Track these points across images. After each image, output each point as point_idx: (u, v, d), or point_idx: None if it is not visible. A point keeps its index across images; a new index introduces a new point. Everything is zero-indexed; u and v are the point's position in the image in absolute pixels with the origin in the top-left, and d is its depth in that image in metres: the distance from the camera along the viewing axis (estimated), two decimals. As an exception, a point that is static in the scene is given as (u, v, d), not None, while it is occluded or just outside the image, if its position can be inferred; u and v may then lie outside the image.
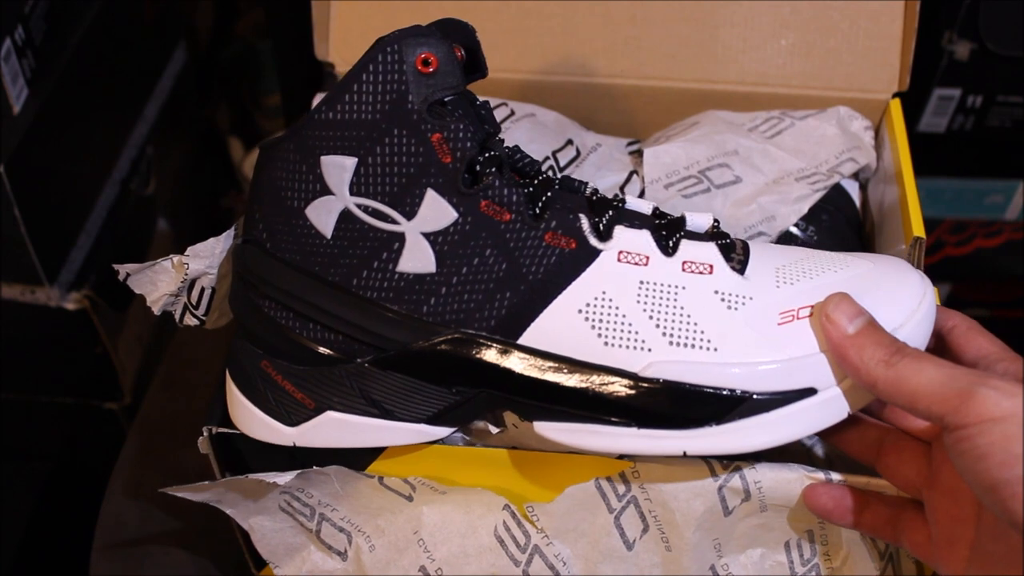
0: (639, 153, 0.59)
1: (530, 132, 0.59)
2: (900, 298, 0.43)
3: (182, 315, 0.50)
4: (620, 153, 0.60)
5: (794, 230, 0.56)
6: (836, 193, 0.58)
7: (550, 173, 0.46)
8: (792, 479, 0.45)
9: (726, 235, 0.46)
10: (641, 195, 0.57)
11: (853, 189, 0.59)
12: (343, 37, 0.64)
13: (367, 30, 0.64)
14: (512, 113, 0.60)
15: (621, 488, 0.47)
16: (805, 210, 0.56)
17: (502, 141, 0.46)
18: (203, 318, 0.51)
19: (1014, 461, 0.36)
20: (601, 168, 0.58)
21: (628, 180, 0.58)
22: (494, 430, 0.49)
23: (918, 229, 0.51)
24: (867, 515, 0.45)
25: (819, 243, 0.56)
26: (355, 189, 0.44)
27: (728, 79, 0.63)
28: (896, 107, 0.61)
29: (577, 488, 0.47)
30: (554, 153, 0.58)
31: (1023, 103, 0.83)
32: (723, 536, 0.48)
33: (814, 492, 0.45)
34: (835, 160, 0.58)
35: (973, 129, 0.85)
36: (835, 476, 0.45)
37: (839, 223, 0.58)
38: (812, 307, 0.43)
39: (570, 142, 0.59)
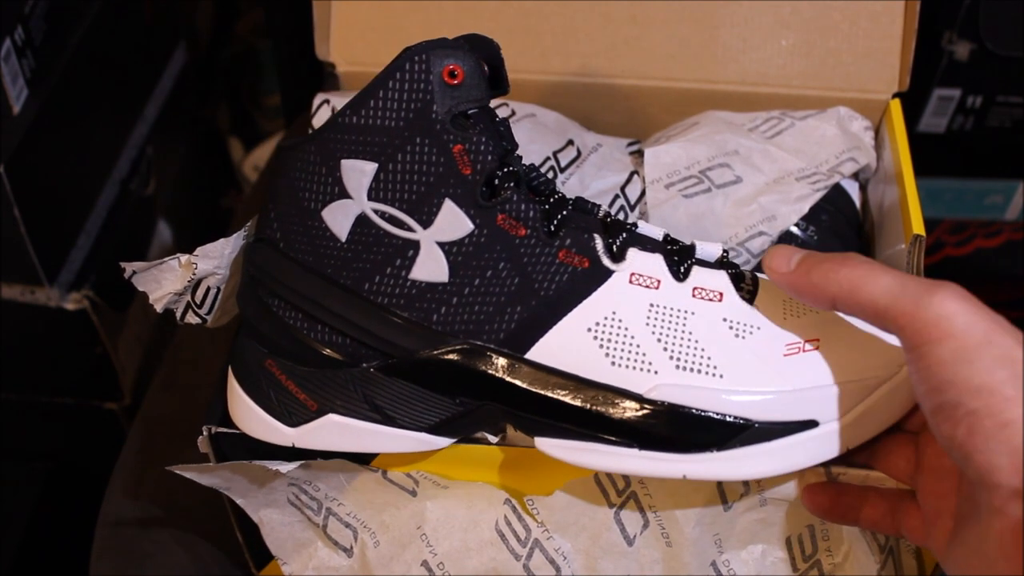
0: (639, 153, 0.59)
1: (531, 132, 0.59)
2: None
3: (184, 313, 0.50)
4: (621, 153, 0.60)
5: (794, 230, 0.56)
6: (836, 193, 0.58)
7: (563, 194, 0.46)
8: (792, 473, 0.45)
9: (735, 265, 0.46)
10: (642, 195, 0.57)
11: (853, 189, 0.59)
12: (343, 37, 0.64)
13: (368, 30, 0.64)
14: (513, 113, 0.60)
15: (621, 483, 0.47)
16: (806, 210, 0.56)
17: (520, 158, 0.46)
18: (206, 317, 0.51)
19: (946, 387, 0.36)
20: (602, 168, 0.58)
21: (629, 180, 0.58)
22: (492, 439, 0.49)
23: (918, 229, 0.51)
24: (866, 510, 0.45)
25: (819, 243, 0.56)
26: (373, 194, 0.44)
27: (728, 79, 0.63)
28: (896, 107, 0.61)
29: (577, 483, 0.47)
30: (555, 153, 0.58)
31: (1023, 103, 0.83)
32: (724, 531, 0.48)
33: (812, 492, 0.45)
34: (835, 160, 0.58)
35: (973, 129, 0.85)
36: (834, 470, 0.45)
37: (839, 223, 0.58)
38: (818, 340, 0.43)
39: (571, 142, 0.59)
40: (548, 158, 0.58)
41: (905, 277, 0.39)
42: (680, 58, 0.63)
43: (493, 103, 0.59)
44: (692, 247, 0.46)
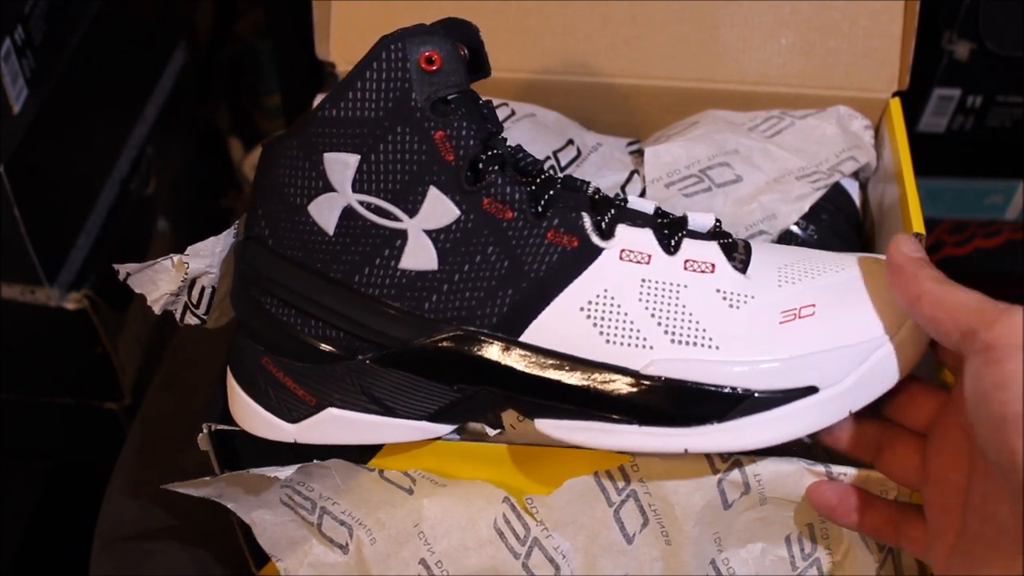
0: (640, 153, 0.59)
1: (531, 132, 0.59)
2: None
3: (183, 314, 0.50)
4: (621, 153, 0.60)
5: (795, 229, 0.56)
6: (836, 192, 0.58)
7: (551, 173, 0.46)
8: (792, 472, 0.45)
9: (728, 235, 0.46)
10: (642, 195, 0.57)
11: (853, 188, 0.59)
12: (343, 37, 0.64)
13: (367, 30, 0.64)
14: (513, 113, 0.60)
15: (620, 482, 0.47)
16: (806, 209, 0.56)
17: (504, 140, 0.46)
18: (204, 317, 0.51)
19: None
20: (602, 168, 0.58)
21: (629, 179, 0.58)
22: (491, 432, 0.49)
23: (918, 228, 0.51)
24: (870, 514, 0.45)
25: (819, 242, 0.56)
26: (358, 186, 0.44)
27: (728, 79, 0.63)
28: (896, 106, 0.61)
29: (576, 481, 0.47)
30: (555, 153, 0.58)
31: (1023, 103, 0.83)
32: (723, 530, 0.48)
33: (818, 489, 0.45)
34: (835, 159, 0.58)
35: (973, 129, 0.85)
36: (835, 469, 0.45)
37: (839, 222, 0.58)
38: (814, 305, 0.43)
39: (571, 142, 0.59)
40: (548, 158, 0.58)
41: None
42: (680, 58, 0.63)
43: (494, 103, 0.60)
44: (684, 219, 0.46)
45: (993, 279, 0.95)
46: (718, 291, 0.44)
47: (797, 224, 0.56)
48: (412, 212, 0.44)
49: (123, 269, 0.48)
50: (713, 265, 0.44)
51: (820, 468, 0.45)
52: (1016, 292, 0.93)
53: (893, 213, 0.55)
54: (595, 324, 0.44)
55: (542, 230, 0.44)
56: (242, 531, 0.54)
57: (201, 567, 0.59)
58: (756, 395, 0.42)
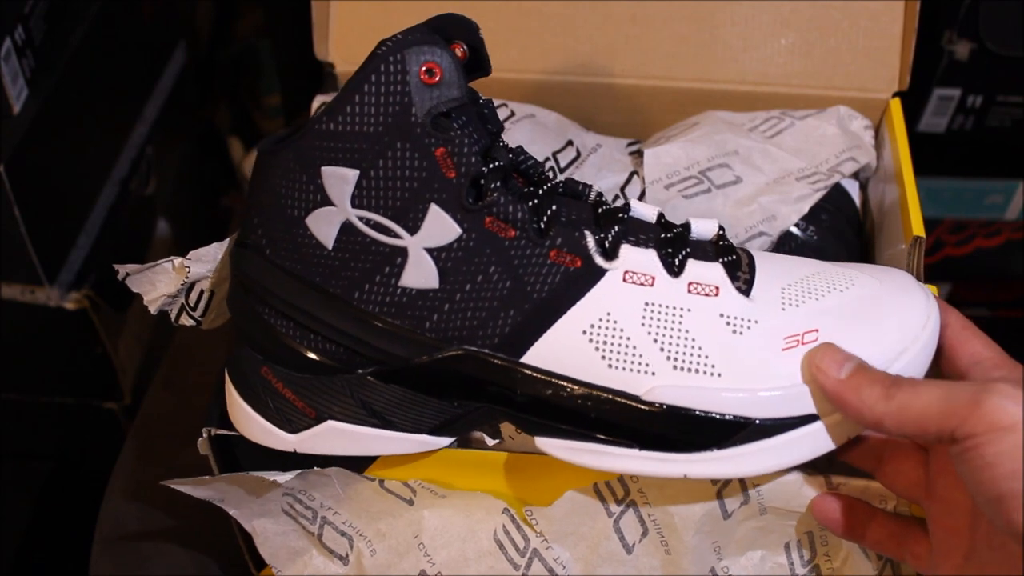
0: (639, 153, 0.59)
1: (530, 133, 0.59)
2: (905, 321, 0.43)
3: (178, 315, 0.50)
4: (620, 154, 0.60)
5: (794, 230, 0.56)
6: (836, 193, 0.58)
7: (551, 175, 0.45)
8: (791, 482, 0.45)
9: (731, 249, 0.45)
10: (641, 196, 0.57)
11: (853, 189, 0.59)
12: (343, 37, 0.64)
13: (367, 30, 0.64)
14: (512, 114, 0.60)
15: (620, 492, 0.47)
16: (806, 210, 0.56)
17: (505, 145, 0.45)
18: (199, 319, 0.50)
19: (1021, 473, 0.36)
20: (602, 169, 0.58)
21: (629, 181, 0.58)
22: (491, 442, 0.49)
23: (918, 228, 0.51)
24: (873, 528, 0.45)
25: (819, 242, 0.56)
26: (357, 202, 0.43)
27: (728, 78, 0.63)
28: (896, 106, 0.61)
29: (576, 492, 0.47)
30: (554, 154, 0.58)
31: (1023, 103, 0.83)
32: (723, 539, 0.48)
33: (823, 501, 0.45)
34: (835, 159, 0.58)
35: (973, 129, 0.85)
36: (834, 479, 0.45)
37: (839, 223, 0.58)
38: (817, 331, 0.43)
39: (570, 143, 0.59)
40: (548, 158, 0.58)
41: (951, 384, 0.39)
42: (680, 57, 0.63)
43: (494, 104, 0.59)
44: (687, 228, 0.45)
45: (993, 279, 0.95)
46: (721, 316, 0.43)
47: (797, 225, 0.56)
48: (413, 230, 0.43)
49: (123, 270, 0.48)
50: (717, 288, 0.43)
51: (820, 478, 0.45)
52: (1016, 292, 0.94)
53: (893, 213, 0.55)
54: (597, 348, 0.43)
55: (545, 249, 0.43)
56: (242, 533, 0.54)
57: (201, 568, 0.59)
58: (757, 423, 0.42)
